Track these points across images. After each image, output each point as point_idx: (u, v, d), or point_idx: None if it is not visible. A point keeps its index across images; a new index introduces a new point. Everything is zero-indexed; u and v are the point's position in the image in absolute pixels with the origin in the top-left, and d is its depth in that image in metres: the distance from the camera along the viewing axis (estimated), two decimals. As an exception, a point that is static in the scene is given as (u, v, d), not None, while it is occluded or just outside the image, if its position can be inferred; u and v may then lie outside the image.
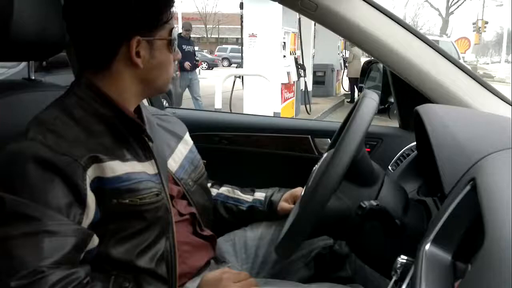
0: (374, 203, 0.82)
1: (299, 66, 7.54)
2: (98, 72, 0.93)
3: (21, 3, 0.97)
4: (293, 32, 7.35)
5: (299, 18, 7.66)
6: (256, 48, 6.63)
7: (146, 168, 0.94)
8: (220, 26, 41.94)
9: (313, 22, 9.27)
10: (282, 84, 6.73)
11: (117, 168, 0.88)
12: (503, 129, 0.80)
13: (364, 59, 11.25)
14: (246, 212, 1.26)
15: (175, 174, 1.10)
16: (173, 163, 1.11)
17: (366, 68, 1.40)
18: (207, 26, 41.52)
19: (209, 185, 1.27)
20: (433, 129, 0.79)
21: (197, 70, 7.85)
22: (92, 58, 0.93)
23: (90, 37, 0.90)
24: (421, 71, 1.12)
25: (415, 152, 1.16)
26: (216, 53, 29.93)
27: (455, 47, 10.07)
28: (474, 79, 1.12)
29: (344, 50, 11.82)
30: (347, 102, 10.91)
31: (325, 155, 0.95)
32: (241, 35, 6.88)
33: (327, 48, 10.53)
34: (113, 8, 0.88)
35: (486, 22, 25.39)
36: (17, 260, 0.74)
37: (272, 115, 5.91)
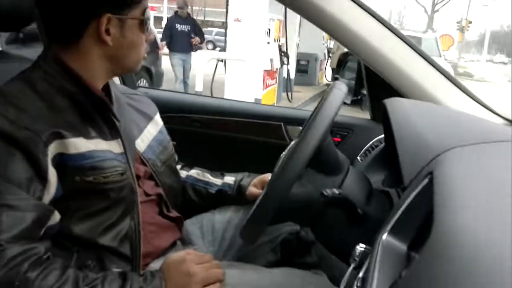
0: (336, 191, 0.83)
1: (282, 54, 7.53)
2: (66, 47, 0.91)
3: None
4: (279, 19, 7.32)
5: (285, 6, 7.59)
6: (240, 33, 6.58)
7: (111, 146, 0.93)
8: (206, 9, 41.43)
9: (299, 10, 9.24)
10: (264, 70, 6.72)
11: (80, 145, 0.87)
12: (466, 125, 0.82)
13: (348, 50, 11.26)
14: (215, 195, 1.26)
15: (143, 154, 1.09)
16: (141, 143, 1.10)
17: (343, 60, 1.40)
18: (193, 8, 40.94)
19: (178, 167, 1.27)
20: (397, 122, 0.81)
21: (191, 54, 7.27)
22: (60, 33, 0.91)
23: (59, 11, 0.88)
24: (392, 64, 1.13)
25: (383, 144, 1.18)
26: (214, 36, 29.85)
27: (437, 43, 10.19)
28: (444, 75, 1.14)
29: (328, 40, 11.82)
30: (329, 92, 10.93)
31: (292, 142, 0.96)
32: (226, 19, 6.82)
33: (312, 37, 10.50)
34: None
35: (470, 22, 25.73)
36: None
37: (253, 101, 5.93)
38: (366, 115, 1.47)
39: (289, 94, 8.01)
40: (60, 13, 0.88)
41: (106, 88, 1.01)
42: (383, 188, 1.01)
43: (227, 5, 6.70)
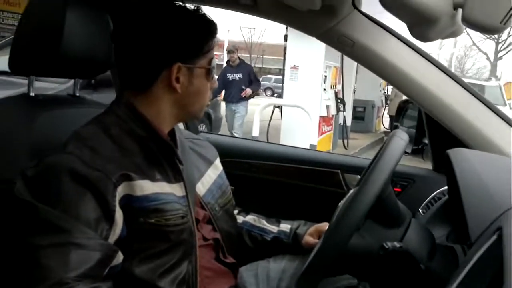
0: (397, 244, 0.81)
1: (339, 100, 7.54)
2: (138, 93, 0.97)
3: (71, 22, 1.04)
4: (335, 66, 7.39)
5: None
6: (297, 80, 6.69)
7: (174, 189, 0.97)
8: (264, 57, 42.68)
9: (356, 58, 9.28)
10: (320, 117, 6.73)
11: (146, 187, 0.91)
12: None
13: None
14: (271, 242, 1.25)
15: (203, 198, 1.12)
16: (202, 187, 1.13)
17: (403, 107, 1.39)
18: (252, 55, 42.34)
19: (235, 212, 1.28)
20: (462, 174, 0.78)
21: (245, 103, 6.94)
22: (134, 80, 0.98)
23: (134, 60, 0.96)
24: (454, 113, 1.10)
25: (446, 196, 1.13)
26: (273, 83, 30.86)
27: (501, 91, 9.79)
28: (510, 125, 1.09)
29: (386, 87, 11.72)
30: (387, 139, 10.72)
31: (351, 191, 0.94)
32: (283, 66, 6.98)
33: (368, 84, 10.48)
34: (159, 36, 0.93)
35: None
36: (44, 270, 0.76)
37: (308, 147, 5.92)
38: (427, 165, 1.42)
39: (345, 141, 7.94)
40: (136, 62, 0.96)
41: (172, 133, 1.06)
42: (448, 244, 0.96)
43: (284, 52, 6.87)
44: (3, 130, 1.01)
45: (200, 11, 0.99)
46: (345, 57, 7.82)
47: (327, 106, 7.01)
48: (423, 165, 1.48)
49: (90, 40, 1.09)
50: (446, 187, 1.20)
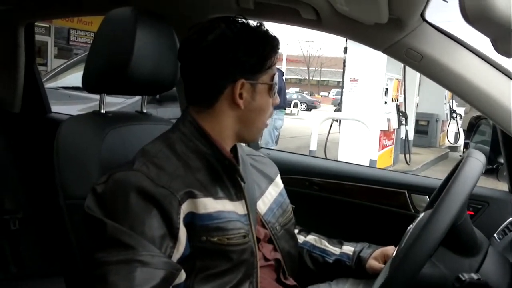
0: (475, 276, 0.74)
1: (400, 114, 7.30)
2: (202, 110, 0.98)
3: (141, 41, 1.07)
4: (397, 79, 7.18)
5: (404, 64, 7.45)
6: (356, 93, 6.58)
7: (236, 207, 0.96)
8: (322, 69, 42.47)
9: (419, 70, 8.97)
10: (381, 131, 6.56)
11: (209, 205, 0.91)
12: None
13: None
14: (332, 265, 1.21)
15: (264, 216, 1.09)
16: (262, 205, 1.11)
17: (474, 124, 1.30)
18: (310, 68, 42.29)
19: (296, 231, 1.24)
20: None
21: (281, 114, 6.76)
22: (198, 96, 0.99)
23: (199, 77, 0.97)
24: None
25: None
26: (334, 96, 31.21)
27: None
28: None
29: (451, 100, 11.21)
30: (460, 156, 10.22)
31: (421, 215, 0.89)
32: (342, 79, 6.88)
33: (432, 96, 10.09)
34: (224, 53, 0.93)
35: None
36: (110, 285, 0.77)
37: (368, 162, 5.76)
38: (503, 186, 1.32)
39: (407, 156, 7.66)
40: (201, 79, 0.96)
41: (234, 150, 1.06)
42: None
43: (344, 65, 6.79)
44: (76, 146, 1.05)
45: (262, 27, 0.98)
46: (407, 68, 7.63)
47: (388, 120, 6.81)
48: (498, 186, 1.37)
49: (157, 58, 1.12)
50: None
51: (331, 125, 6.99)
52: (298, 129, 8.13)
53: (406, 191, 1.40)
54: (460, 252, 0.79)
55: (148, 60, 1.10)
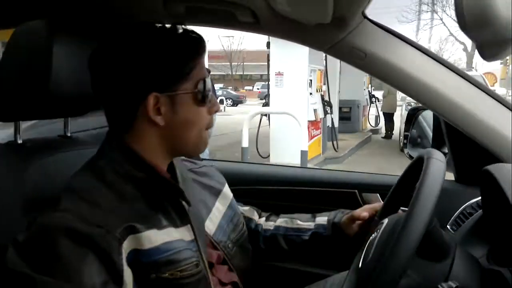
0: (453, 284, 0.72)
1: (325, 103, 7.51)
2: (125, 130, 0.87)
3: (59, 55, 0.94)
4: (320, 70, 7.36)
5: (326, 55, 7.68)
6: (282, 86, 6.65)
7: (182, 234, 0.86)
8: (244, 64, 42.74)
9: (338, 59, 9.29)
10: (309, 121, 6.69)
11: (154, 237, 0.80)
12: None
13: (402, 94, 11.16)
14: (310, 241, 1.15)
15: (213, 237, 1.00)
16: (211, 224, 1.01)
17: (412, 115, 1.31)
18: (232, 63, 42.38)
19: (263, 219, 1.19)
20: None
21: None
22: (115, 116, 0.87)
23: (110, 95, 0.86)
24: (477, 120, 1.02)
25: (480, 211, 1.05)
26: (260, 89, 31.32)
27: (485, 81, 9.87)
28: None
29: (370, 86, 11.76)
30: (382, 138, 10.78)
31: (385, 222, 0.86)
32: (268, 73, 6.93)
33: (352, 84, 10.50)
34: (128, 67, 0.83)
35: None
36: None
37: (300, 153, 5.86)
38: (449, 176, 1.34)
39: (335, 143, 7.91)
40: (112, 98, 0.85)
41: (171, 168, 0.95)
42: (492, 267, 0.88)
43: (268, 59, 6.83)
44: None
45: (178, 29, 0.86)
46: (329, 58, 7.85)
47: (315, 110, 6.98)
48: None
49: (80, 74, 0.98)
50: (475, 201, 1.13)
51: (260, 119, 7.02)
52: (228, 125, 8.06)
53: (356, 191, 1.38)
54: (430, 258, 0.77)
55: (69, 76, 0.96)
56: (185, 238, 0.86)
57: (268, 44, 6.71)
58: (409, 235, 0.68)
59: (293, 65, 6.53)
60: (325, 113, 7.53)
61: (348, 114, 10.57)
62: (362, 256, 0.86)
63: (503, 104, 1.04)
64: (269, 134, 6.92)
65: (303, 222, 1.17)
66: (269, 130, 6.95)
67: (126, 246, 0.76)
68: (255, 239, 1.17)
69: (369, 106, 11.60)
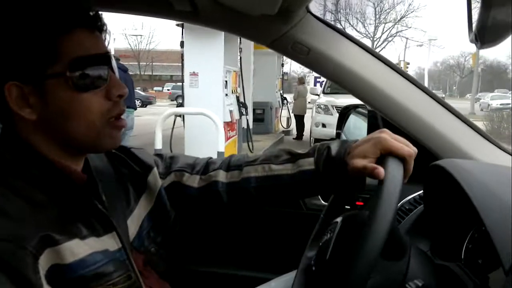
0: (419, 283, 0.71)
1: (241, 105, 7.53)
2: (13, 127, 0.73)
3: None
4: (234, 71, 7.36)
5: (240, 56, 7.71)
6: (197, 87, 6.53)
7: (107, 243, 0.74)
8: (154, 64, 41.66)
9: (252, 60, 9.41)
10: (225, 122, 6.65)
11: (77, 248, 0.68)
12: None
13: (310, 96, 11.53)
14: (293, 184, 0.89)
15: (133, 242, 0.85)
16: (132, 226, 0.85)
17: (344, 114, 1.33)
18: (141, 63, 41.10)
19: (222, 173, 0.94)
20: (474, 190, 0.70)
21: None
22: None
23: None
24: (416, 117, 1.05)
25: (420, 207, 1.07)
26: (170, 90, 30.27)
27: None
28: (472, 128, 1.07)
29: (281, 88, 12.07)
30: (293, 139, 11.08)
31: (338, 221, 0.82)
32: (182, 73, 6.77)
33: (265, 86, 10.69)
34: None
35: (408, 63, 27.24)
36: None
37: (216, 154, 5.79)
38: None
39: (250, 144, 7.96)
40: None
41: (86, 166, 0.80)
42: (438, 261, 0.89)
43: (182, 59, 6.67)
44: None
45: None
46: (243, 60, 7.90)
47: (231, 111, 6.96)
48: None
49: None
50: (412, 196, 1.15)
51: (174, 120, 6.83)
52: (138, 127, 7.71)
53: None
54: (390, 258, 0.76)
55: None
56: (111, 248, 0.74)
57: (182, 44, 6.55)
58: (376, 234, 0.65)
59: (209, 66, 6.44)
60: (241, 114, 7.55)
61: (262, 116, 10.72)
62: (315, 257, 0.82)
63: (438, 102, 1.07)
64: (183, 135, 6.75)
65: (280, 166, 0.90)
66: (183, 131, 6.78)
67: (44, 262, 0.64)
68: (215, 198, 0.94)
69: (281, 108, 11.88)
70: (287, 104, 12.01)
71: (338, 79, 1.07)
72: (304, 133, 11.00)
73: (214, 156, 1.02)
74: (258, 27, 1.02)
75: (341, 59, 1.04)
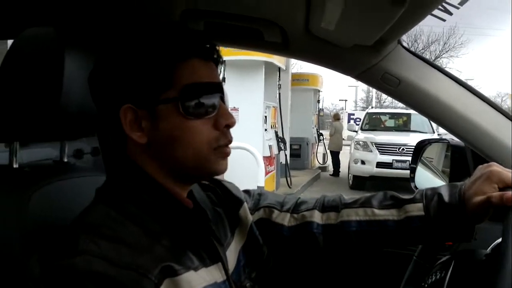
0: None
1: (279, 139, 7.54)
2: (124, 152, 0.74)
3: (70, 73, 0.80)
4: (273, 106, 7.42)
5: (279, 92, 7.79)
6: (238, 122, 6.59)
7: (213, 274, 0.72)
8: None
9: (289, 96, 9.47)
10: (264, 157, 6.65)
11: (194, 281, 0.66)
12: None
13: (346, 132, 11.44)
14: (396, 231, 0.84)
15: (232, 275, 0.81)
16: (230, 256, 0.83)
17: (420, 148, 1.28)
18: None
19: (316, 212, 0.90)
20: None
21: None
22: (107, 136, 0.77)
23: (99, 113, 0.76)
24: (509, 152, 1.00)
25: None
26: None
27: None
28: None
29: (317, 124, 12.05)
30: (330, 175, 10.94)
31: (445, 260, 0.78)
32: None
33: (301, 121, 10.70)
34: (101, 79, 0.72)
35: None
36: None
37: (256, 188, 5.74)
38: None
39: (288, 179, 7.91)
40: (100, 114, 0.75)
41: (190, 195, 0.79)
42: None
43: (223, 95, 6.78)
44: None
45: (172, 28, 0.73)
46: (282, 96, 7.96)
47: (270, 146, 6.97)
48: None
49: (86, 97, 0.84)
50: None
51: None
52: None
53: None
54: None
55: (78, 92, 0.82)
56: (218, 280, 0.73)
57: (223, 79, 6.69)
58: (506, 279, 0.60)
59: (249, 101, 6.52)
60: (279, 149, 7.54)
61: (298, 151, 10.68)
62: None
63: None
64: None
65: (383, 211, 0.85)
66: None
67: None
68: (310, 240, 0.90)
69: (317, 144, 11.81)
70: (323, 139, 11.94)
71: (429, 111, 1.03)
72: (340, 169, 10.84)
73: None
74: (347, 59, 1.01)
75: (432, 91, 1.01)
